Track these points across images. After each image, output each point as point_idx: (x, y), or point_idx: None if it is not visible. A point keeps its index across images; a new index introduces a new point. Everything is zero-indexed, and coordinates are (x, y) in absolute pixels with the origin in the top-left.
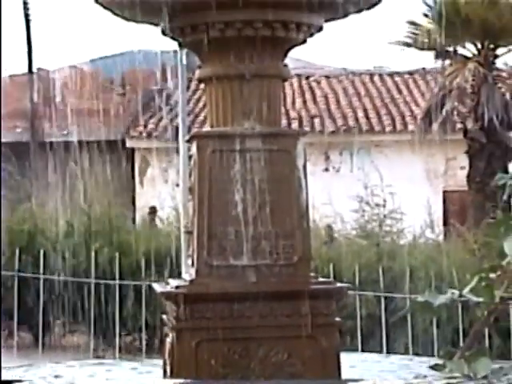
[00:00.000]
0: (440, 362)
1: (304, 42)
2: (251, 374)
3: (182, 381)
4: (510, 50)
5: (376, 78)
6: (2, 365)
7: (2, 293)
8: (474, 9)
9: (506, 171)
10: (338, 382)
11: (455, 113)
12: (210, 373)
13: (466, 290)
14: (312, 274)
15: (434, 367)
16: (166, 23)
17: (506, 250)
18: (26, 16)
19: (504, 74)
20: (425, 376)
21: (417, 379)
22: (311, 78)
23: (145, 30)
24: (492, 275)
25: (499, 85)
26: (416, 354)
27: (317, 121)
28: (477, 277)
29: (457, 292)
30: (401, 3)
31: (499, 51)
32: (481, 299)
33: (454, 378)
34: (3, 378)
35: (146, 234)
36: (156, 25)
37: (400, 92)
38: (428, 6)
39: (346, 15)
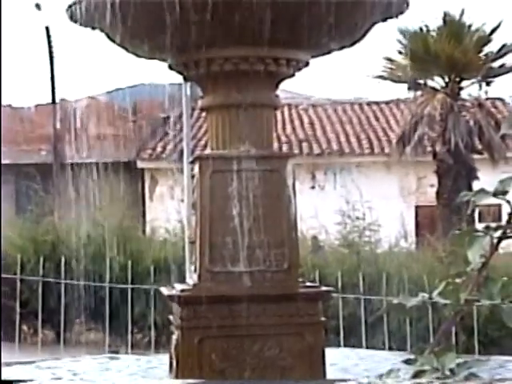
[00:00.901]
0: (412, 356)
1: (293, 75)
2: (247, 367)
3: (190, 381)
4: (473, 83)
5: (356, 107)
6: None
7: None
8: (442, 46)
9: (470, 189)
10: (327, 382)
11: (426, 137)
12: (211, 366)
13: (435, 294)
14: (300, 279)
15: (406, 361)
16: (172, 59)
17: (470, 258)
18: (50, 52)
19: (468, 104)
20: (398, 369)
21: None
22: (299, 107)
23: (154, 64)
24: (458, 280)
25: (464, 113)
26: (391, 348)
27: (304, 144)
28: (444, 282)
29: (427, 295)
30: (378, 41)
31: (464, 84)
32: (448, 301)
33: (424, 371)
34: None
35: (154, 244)
36: (163, 61)
37: (377, 119)
38: (402, 44)
39: (329, 52)
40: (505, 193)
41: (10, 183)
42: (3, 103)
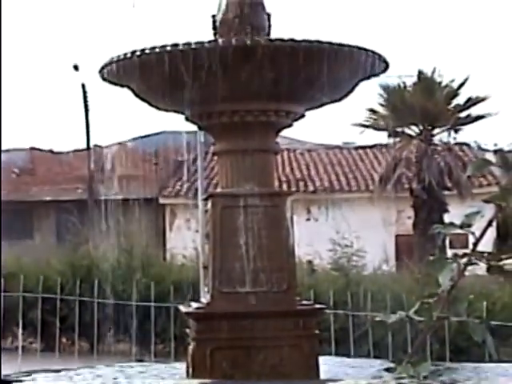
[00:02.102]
0: (392, 365)
1: (291, 125)
2: (253, 374)
3: (203, 381)
4: (443, 130)
5: (345, 151)
6: (67, 366)
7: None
8: (417, 99)
9: (441, 220)
10: (320, 382)
11: (404, 177)
12: (221, 372)
13: (411, 311)
14: (297, 298)
15: (387, 369)
16: (188, 112)
17: (441, 281)
18: (85, 104)
19: (439, 148)
20: (381, 376)
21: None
22: (296, 151)
23: (172, 116)
24: (431, 300)
25: (436, 156)
26: (375, 357)
27: (301, 183)
28: (419, 301)
29: (404, 313)
30: (363, 94)
31: (435, 131)
32: (422, 318)
33: (403, 377)
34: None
35: (173, 268)
36: (181, 113)
37: (363, 161)
38: (383, 97)
39: (322, 105)
40: (470, 225)
41: (52, 217)
42: (46, 148)
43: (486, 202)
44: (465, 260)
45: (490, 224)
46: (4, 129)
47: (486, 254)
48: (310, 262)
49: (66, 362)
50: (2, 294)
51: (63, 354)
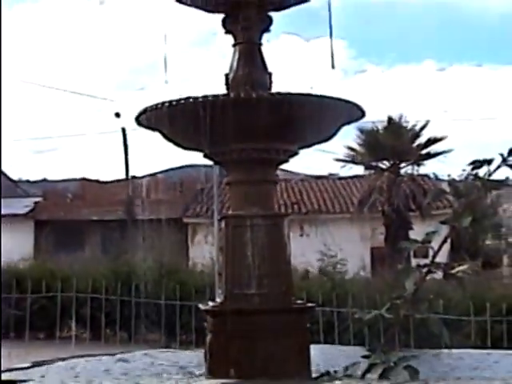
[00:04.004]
0: (368, 353)
1: (287, 160)
2: (257, 359)
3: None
4: (408, 165)
5: (330, 181)
6: (108, 351)
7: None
8: (387, 139)
9: (407, 236)
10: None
11: (377, 201)
12: (233, 357)
13: (383, 310)
14: (293, 298)
15: (364, 356)
16: (206, 151)
17: (406, 286)
18: (125, 144)
19: (405, 179)
20: (359, 362)
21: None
22: (292, 181)
23: (194, 154)
24: (398, 301)
25: (402, 185)
26: (355, 345)
27: (295, 206)
28: (389, 302)
29: (377, 311)
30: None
31: (402, 165)
32: (392, 316)
33: (376, 363)
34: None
35: (194, 274)
36: (200, 151)
37: (344, 189)
38: (360, 137)
39: (311, 145)
40: (429, 241)
41: (98, 233)
42: (94, 178)
43: (442, 222)
44: (425, 269)
45: (445, 240)
46: (61, 163)
47: (442, 265)
48: (307, 271)
49: (109, 348)
50: (59, 294)
51: (107, 342)
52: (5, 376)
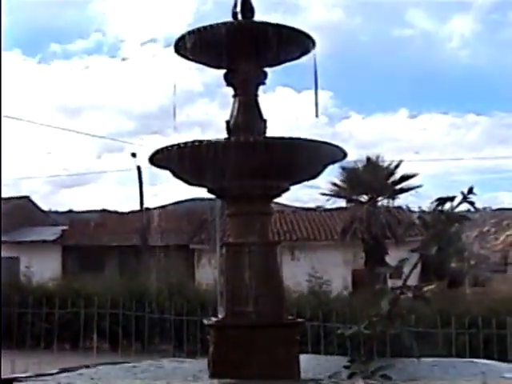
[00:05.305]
0: (348, 364)
1: (280, 195)
2: (254, 366)
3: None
4: (384, 198)
5: (317, 212)
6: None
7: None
8: (366, 176)
9: (383, 260)
10: (302, 382)
11: (358, 230)
12: (232, 366)
13: (362, 326)
14: (285, 314)
15: (345, 366)
16: (209, 186)
17: (382, 306)
18: (140, 180)
19: (382, 210)
20: (341, 371)
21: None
22: (285, 213)
23: (199, 189)
24: (376, 318)
25: (380, 216)
26: (338, 354)
27: (287, 234)
28: (367, 319)
29: (357, 327)
30: (328, 172)
31: (379, 198)
32: (369, 331)
33: (356, 372)
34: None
35: (200, 293)
36: (204, 187)
37: (330, 219)
38: (342, 175)
39: (300, 182)
40: (402, 267)
41: (116, 257)
42: (113, 209)
43: (412, 251)
44: (398, 291)
45: (415, 266)
46: (86, 197)
47: (412, 287)
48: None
49: (125, 357)
50: (83, 310)
51: (123, 352)
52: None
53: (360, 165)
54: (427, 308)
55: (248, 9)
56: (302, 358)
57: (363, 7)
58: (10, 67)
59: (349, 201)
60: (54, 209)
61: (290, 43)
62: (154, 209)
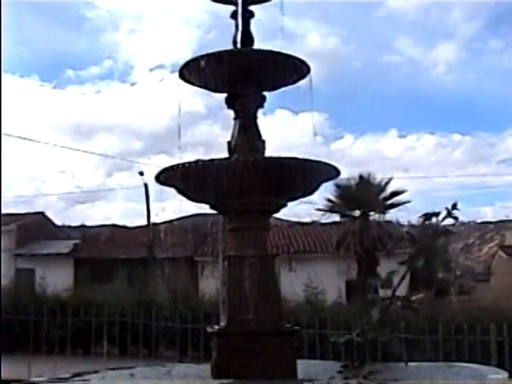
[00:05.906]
0: (342, 369)
1: (278, 210)
2: (255, 370)
3: (226, 381)
4: (375, 213)
5: (313, 226)
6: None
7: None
8: (359, 193)
9: (375, 270)
10: (296, 382)
11: (351, 243)
12: (234, 371)
13: (354, 334)
14: (283, 322)
15: (339, 371)
16: (212, 203)
17: (372, 315)
18: (147, 197)
19: (373, 224)
20: (335, 376)
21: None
22: (283, 227)
23: (202, 205)
24: (367, 327)
25: (371, 229)
26: (333, 359)
27: (285, 247)
28: (359, 327)
29: (350, 335)
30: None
31: (371, 213)
32: (361, 339)
33: (349, 377)
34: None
35: (204, 302)
36: (207, 203)
37: (325, 233)
38: (336, 191)
39: (297, 198)
40: (391, 278)
41: (125, 269)
42: (122, 224)
43: (401, 263)
44: (388, 301)
45: (403, 277)
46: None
47: (401, 298)
48: (310, 302)
49: (133, 362)
50: (94, 318)
51: (132, 357)
52: None
53: (353, 182)
54: (415, 316)
55: (247, 37)
56: (299, 362)
57: (356, 36)
58: (28, 92)
59: (342, 216)
60: (67, 224)
61: (286, 69)
62: (161, 224)
